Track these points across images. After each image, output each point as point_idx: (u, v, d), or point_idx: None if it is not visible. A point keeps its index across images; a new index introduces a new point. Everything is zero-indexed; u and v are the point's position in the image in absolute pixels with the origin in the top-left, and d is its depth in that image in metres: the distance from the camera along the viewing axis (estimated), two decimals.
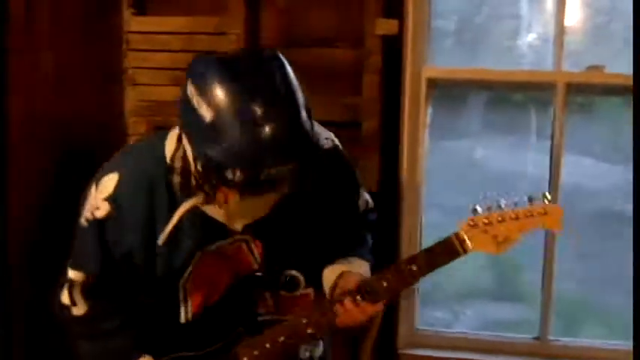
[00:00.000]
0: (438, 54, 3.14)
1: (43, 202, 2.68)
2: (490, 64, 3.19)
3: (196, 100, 1.49)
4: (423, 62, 3.05)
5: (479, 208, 1.62)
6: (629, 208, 3.27)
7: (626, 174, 3.29)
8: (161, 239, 1.69)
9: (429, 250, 1.66)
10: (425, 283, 3.18)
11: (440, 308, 3.43)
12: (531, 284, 3.28)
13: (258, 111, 1.45)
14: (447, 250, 1.64)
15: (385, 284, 1.67)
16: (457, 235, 1.63)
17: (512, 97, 3.27)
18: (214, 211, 1.69)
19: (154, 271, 1.73)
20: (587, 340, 3.23)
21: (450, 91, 3.17)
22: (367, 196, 1.97)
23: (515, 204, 1.61)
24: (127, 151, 1.89)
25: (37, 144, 2.64)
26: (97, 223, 1.71)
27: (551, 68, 3.05)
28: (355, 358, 2.44)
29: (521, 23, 3.25)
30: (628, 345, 3.12)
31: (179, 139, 1.65)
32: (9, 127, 2.50)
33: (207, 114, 1.47)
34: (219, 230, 1.73)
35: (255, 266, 1.78)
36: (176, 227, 1.67)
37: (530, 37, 3.24)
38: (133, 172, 1.71)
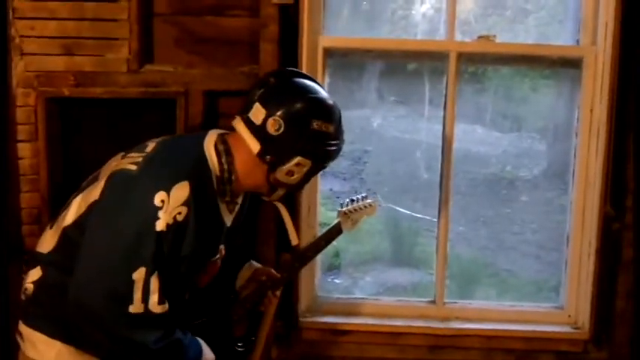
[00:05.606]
0: (334, 24, 3.15)
1: None
2: (385, 34, 3.23)
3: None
4: (320, 32, 3.06)
5: (343, 203, 2.51)
6: (517, 173, 3.40)
7: (516, 142, 3.41)
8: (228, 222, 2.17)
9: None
10: (324, 253, 3.20)
11: (339, 275, 3.48)
12: (427, 249, 3.37)
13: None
14: (336, 231, 2.48)
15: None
16: (339, 222, 2.48)
17: (407, 67, 3.31)
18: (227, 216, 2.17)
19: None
20: (480, 302, 3.34)
21: (346, 61, 3.19)
22: None
23: (358, 200, 2.52)
24: (184, 159, 2.05)
25: None
26: (178, 226, 1.94)
27: (444, 38, 3.11)
28: (255, 333, 2.52)
29: None
30: (520, 306, 3.27)
31: (217, 152, 2.07)
32: None
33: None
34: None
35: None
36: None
37: (424, 8, 3.29)
38: (197, 182, 1.99)
